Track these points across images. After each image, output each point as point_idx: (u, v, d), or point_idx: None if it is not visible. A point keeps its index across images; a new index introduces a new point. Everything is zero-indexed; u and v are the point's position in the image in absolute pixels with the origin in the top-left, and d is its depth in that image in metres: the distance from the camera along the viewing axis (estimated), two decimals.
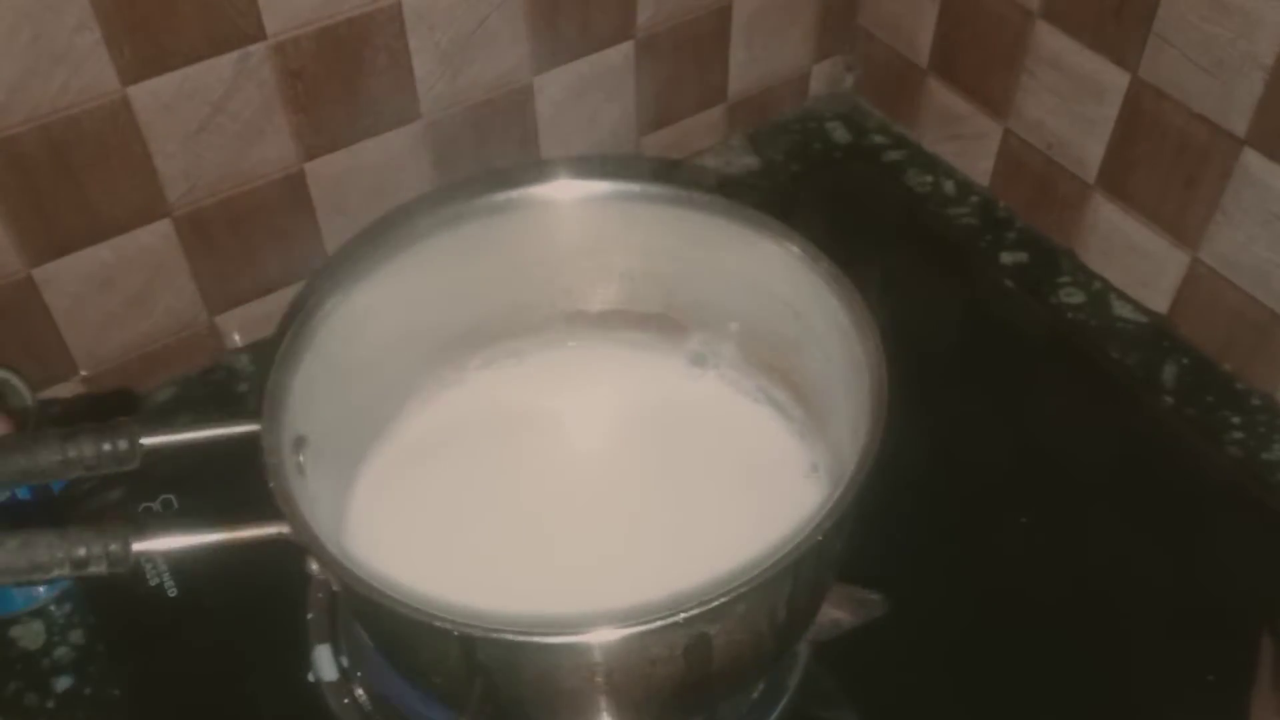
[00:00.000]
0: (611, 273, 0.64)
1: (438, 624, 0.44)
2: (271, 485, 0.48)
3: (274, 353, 0.53)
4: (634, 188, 0.61)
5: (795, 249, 0.58)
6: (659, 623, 0.44)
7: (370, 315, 0.57)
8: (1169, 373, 0.78)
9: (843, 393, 0.55)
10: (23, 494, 0.63)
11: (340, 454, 0.59)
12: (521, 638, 0.44)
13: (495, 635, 0.44)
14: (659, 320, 0.66)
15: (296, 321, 0.54)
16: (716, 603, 0.44)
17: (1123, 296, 0.82)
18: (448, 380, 0.65)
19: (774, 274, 0.59)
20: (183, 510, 0.66)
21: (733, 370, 0.65)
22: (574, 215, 0.62)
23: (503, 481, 0.62)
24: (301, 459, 0.52)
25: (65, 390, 0.74)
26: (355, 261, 0.57)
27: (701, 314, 0.65)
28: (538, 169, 0.61)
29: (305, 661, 0.59)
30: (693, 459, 0.63)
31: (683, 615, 0.44)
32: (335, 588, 0.49)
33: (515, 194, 0.60)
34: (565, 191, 0.61)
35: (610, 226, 0.62)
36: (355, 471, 0.61)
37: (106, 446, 0.50)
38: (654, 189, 0.61)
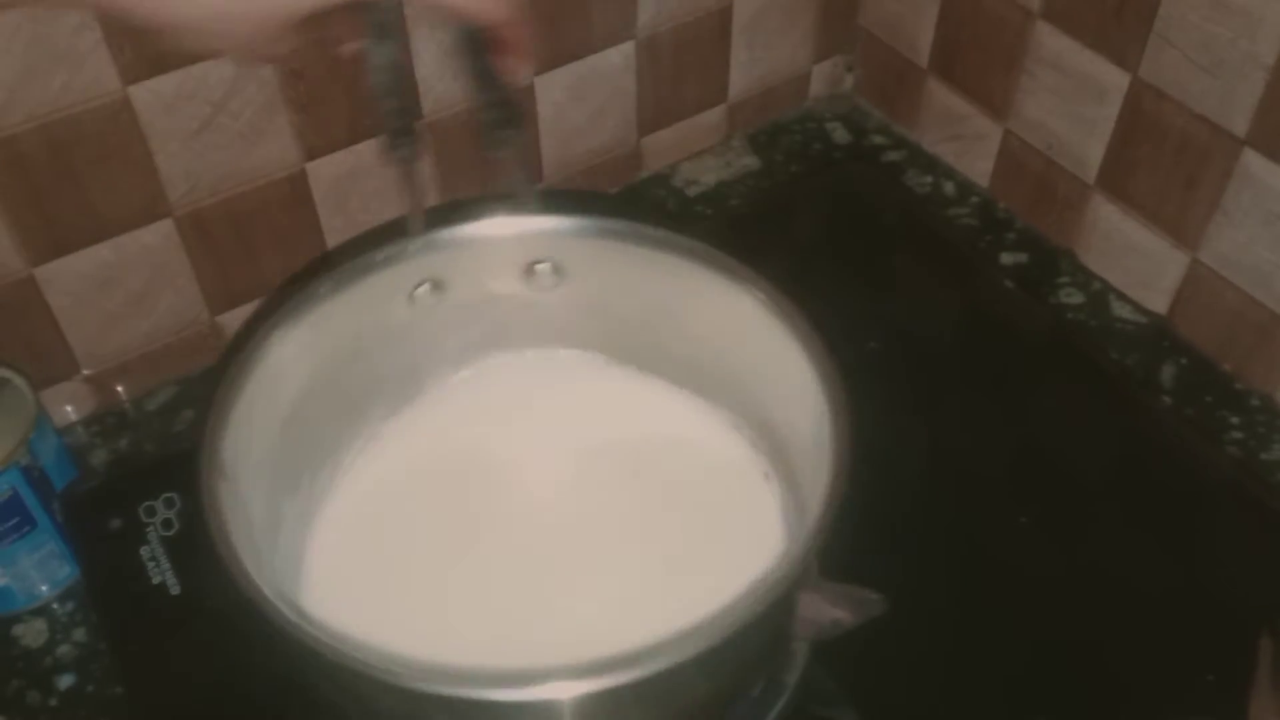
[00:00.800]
0: (564, 309, 0.62)
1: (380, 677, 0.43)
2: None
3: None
4: (573, 223, 0.59)
5: (762, 296, 0.55)
6: (625, 678, 0.42)
7: (297, 364, 0.56)
8: (1168, 373, 0.78)
9: (810, 441, 0.53)
10: (24, 492, 0.63)
11: (289, 503, 0.57)
12: (475, 694, 0.42)
13: (449, 693, 0.43)
14: (615, 357, 0.64)
15: (240, 352, 0.53)
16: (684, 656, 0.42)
17: (1122, 297, 0.82)
18: (392, 425, 0.63)
19: (740, 321, 0.56)
20: (183, 510, 0.66)
21: (696, 408, 0.63)
22: (517, 251, 0.60)
23: (458, 527, 0.60)
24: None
25: (67, 390, 0.74)
26: (283, 312, 0.55)
27: (660, 354, 0.63)
28: (484, 205, 0.59)
29: None
30: (654, 496, 0.61)
31: (647, 670, 0.42)
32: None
33: (457, 231, 0.58)
34: (503, 229, 0.59)
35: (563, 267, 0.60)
36: (308, 522, 0.59)
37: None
38: (605, 225, 0.58)
